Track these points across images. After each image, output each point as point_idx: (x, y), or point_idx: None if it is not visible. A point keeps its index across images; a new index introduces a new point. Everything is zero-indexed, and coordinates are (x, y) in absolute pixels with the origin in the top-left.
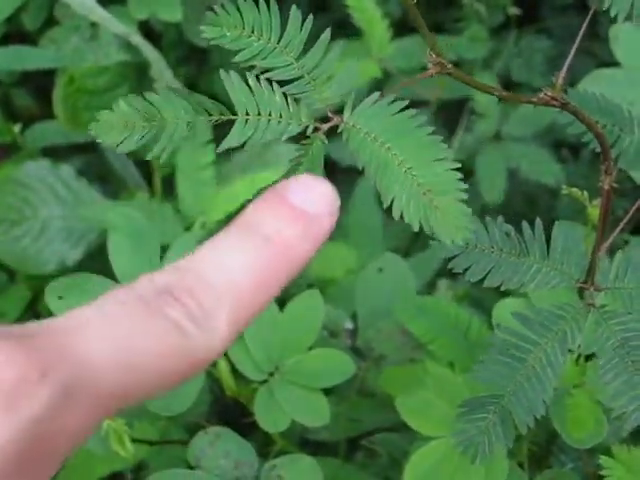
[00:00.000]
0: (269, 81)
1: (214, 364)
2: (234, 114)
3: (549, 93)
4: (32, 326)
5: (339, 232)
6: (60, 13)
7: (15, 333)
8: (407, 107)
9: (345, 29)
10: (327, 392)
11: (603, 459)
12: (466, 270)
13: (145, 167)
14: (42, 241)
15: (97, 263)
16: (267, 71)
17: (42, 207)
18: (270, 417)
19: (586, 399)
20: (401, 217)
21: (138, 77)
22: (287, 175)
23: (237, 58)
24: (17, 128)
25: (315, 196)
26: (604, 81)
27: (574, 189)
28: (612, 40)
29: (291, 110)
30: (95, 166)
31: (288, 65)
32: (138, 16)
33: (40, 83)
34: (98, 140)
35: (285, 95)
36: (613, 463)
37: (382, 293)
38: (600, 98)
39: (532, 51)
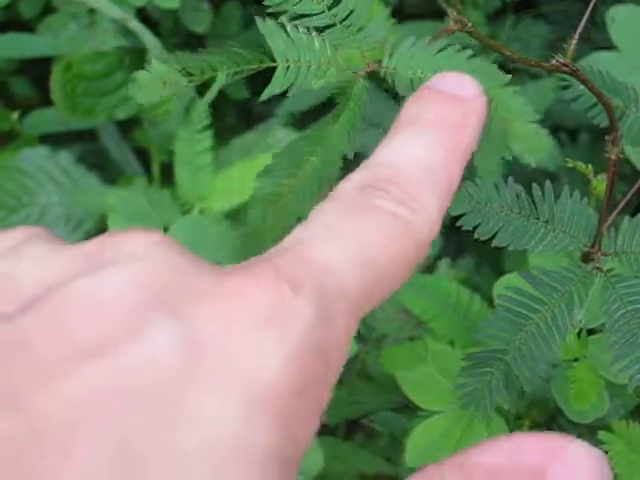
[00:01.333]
0: (306, 28)
1: None
2: (273, 62)
3: (561, 60)
4: (265, 254)
5: None
6: (58, 0)
7: (252, 261)
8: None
9: None
10: None
11: (602, 434)
12: (475, 228)
13: (143, 156)
14: None
15: None
16: (299, 17)
17: (40, 194)
18: None
19: (588, 372)
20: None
21: (136, 62)
22: (331, 119)
23: (267, 1)
24: (15, 116)
25: (463, 81)
26: (601, 64)
27: (579, 162)
28: (609, 23)
29: (330, 55)
30: (93, 154)
31: (321, 12)
32: (136, 3)
33: (38, 72)
34: (139, 101)
35: (324, 41)
36: (612, 438)
37: None
38: (605, 74)
39: (529, 36)
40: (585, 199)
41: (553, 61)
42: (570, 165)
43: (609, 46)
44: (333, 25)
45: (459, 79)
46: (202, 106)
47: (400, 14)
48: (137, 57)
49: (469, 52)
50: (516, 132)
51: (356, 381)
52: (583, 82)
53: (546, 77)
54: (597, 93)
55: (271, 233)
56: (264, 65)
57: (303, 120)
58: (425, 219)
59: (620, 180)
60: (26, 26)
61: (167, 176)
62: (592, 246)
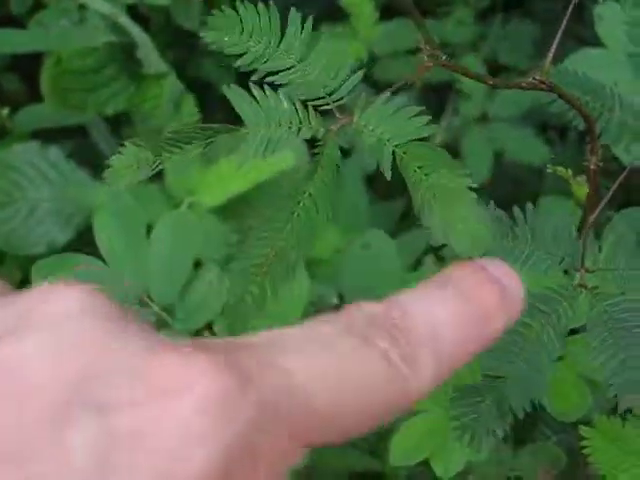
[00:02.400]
0: (273, 87)
1: None
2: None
3: (537, 77)
4: (227, 339)
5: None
6: None
7: (211, 345)
8: (419, 113)
9: (332, 16)
10: None
11: (583, 429)
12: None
13: None
14: (31, 223)
15: (86, 244)
16: (269, 75)
17: (30, 189)
18: None
19: (569, 372)
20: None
21: (125, 58)
22: (308, 177)
23: (238, 62)
24: (5, 112)
25: (510, 273)
26: (588, 61)
27: (559, 167)
28: (596, 20)
29: (300, 115)
30: (83, 151)
31: (291, 67)
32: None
33: (28, 69)
34: (115, 186)
35: (293, 101)
36: (593, 433)
37: (368, 269)
38: (582, 76)
39: (518, 34)
40: (567, 214)
41: (530, 79)
42: (550, 170)
43: (598, 43)
44: (305, 78)
45: (507, 269)
46: (191, 101)
47: (389, 12)
48: (127, 53)
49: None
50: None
51: None
52: (561, 96)
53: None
54: (575, 105)
55: (255, 307)
56: (237, 134)
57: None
58: (416, 377)
59: (608, 177)
60: (16, 22)
61: (156, 173)
62: (576, 263)
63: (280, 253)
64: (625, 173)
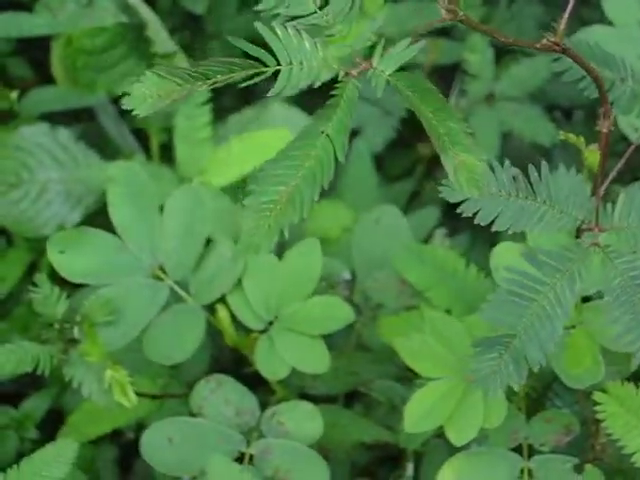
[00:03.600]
0: (297, 30)
1: (214, 314)
2: (266, 65)
3: (551, 39)
4: None
5: (335, 192)
6: None
7: None
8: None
9: None
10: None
11: (597, 394)
12: (475, 214)
13: (142, 137)
14: (40, 204)
15: (96, 225)
16: (292, 19)
17: (40, 170)
18: (270, 365)
19: (583, 338)
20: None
21: (135, 38)
22: (324, 119)
23: (261, 6)
24: (14, 94)
25: None
26: (595, 38)
27: (571, 134)
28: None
29: (321, 56)
30: (92, 135)
31: (312, 13)
32: None
33: (35, 54)
34: (135, 112)
35: (315, 42)
36: (607, 398)
37: (379, 243)
38: (595, 46)
39: (524, 17)
40: (580, 175)
41: (544, 40)
42: (562, 138)
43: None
44: (325, 24)
45: None
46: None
47: None
48: (136, 33)
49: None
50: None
51: (354, 352)
52: (574, 59)
53: (540, 55)
54: (587, 68)
55: (266, 240)
56: (257, 70)
57: (301, 98)
58: None
59: (616, 157)
60: (24, 6)
61: (165, 157)
62: (589, 222)
63: (294, 191)
64: (632, 148)
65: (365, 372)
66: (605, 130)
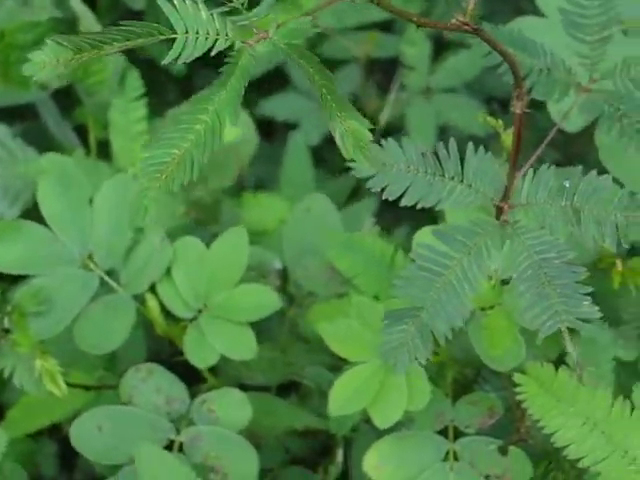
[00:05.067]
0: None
1: (144, 303)
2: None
3: (460, 18)
4: None
5: (273, 185)
6: None
7: None
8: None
9: None
10: (261, 338)
11: (516, 376)
12: (383, 190)
13: (83, 132)
14: None
15: (34, 221)
16: None
17: None
18: (199, 353)
19: (502, 319)
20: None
21: (68, 32)
22: (218, 86)
23: None
24: None
25: None
26: (526, 29)
27: (489, 117)
28: None
29: (217, 26)
30: (33, 132)
31: None
32: None
33: None
34: (36, 78)
35: (212, 13)
36: (526, 380)
37: (309, 232)
38: (514, 32)
39: (463, 9)
40: (489, 154)
41: (453, 20)
42: (481, 121)
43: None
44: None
45: None
46: (135, 75)
47: None
48: (70, 27)
49: None
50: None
51: (289, 342)
52: (486, 41)
53: (477, 46)
54: (500, 51)
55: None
56: (154, 38)
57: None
58: None
59: (551, 147)
60: None
61: (105, 153)
62: (501, 200)
63: (185, 153)
64: (555, 128)
65: (301, 361)
66: (518, 111)
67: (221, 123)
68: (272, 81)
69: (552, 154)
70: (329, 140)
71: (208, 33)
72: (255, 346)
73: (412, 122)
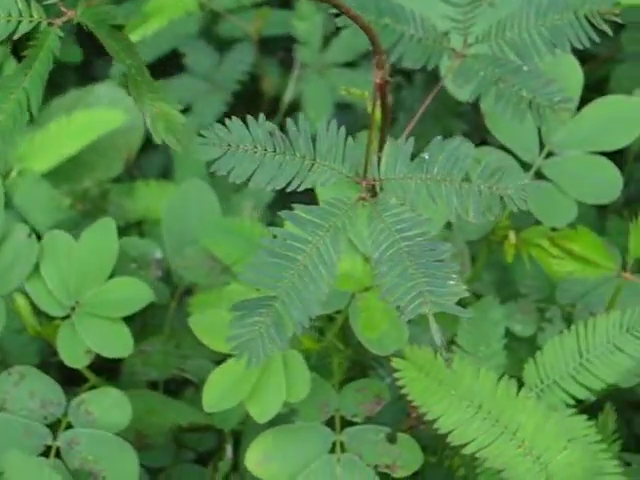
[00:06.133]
0: None
1: (14, 303)
2: None
3: None
4: None
5: (164, 171)
6: None
7: None
8: None
9: None
10: (153, 331)
11: (394, 360)
12: (230, 172)
13: None
14: None
15: None
16: None
17: None
18: (72, 352)
19: (377, 300)
20: None
21: None
22: (24, 68)
23: None
24: None
25: None
26: None
27: (352, 88)
28: None
29: (20, 7)
30: None
31: None
32: None
33: None
34: None
35: None
36: (405, 364)
37: (188, 219)
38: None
39: None
40: (343, 129)
41: None
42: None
43: None
44: None
45: None
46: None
47: None
48: None
49: None
50: None
51: (182, 334)
52: (336, 6)
53: None
54: (353, 17)
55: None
56: None
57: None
58: None
59: (459, 118)
60: None
61: None
62: (360, 176)
63: None
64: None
65: (195, 355)
66: (379, 81)
67: (26, 105)
68: (167, 66)
69: (460, 125)
70: (221, 120)
71: (10, 15)
72: (131, 343)
73: (308, 99)
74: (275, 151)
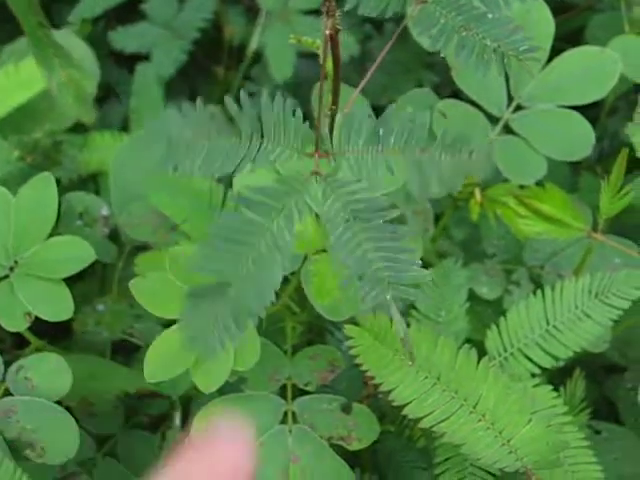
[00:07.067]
0: None
1: None
2: None
3: None
4: None
5: (121, 120)
6: None
7: None
8: None
9: None
10: (100, 292)
11: (348, 327)
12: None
13: None
14: None
15: None
16: None
17: None
18: (11, 315)
19: (330, 266)
20: None
21: None
22: None
23: None
24: None
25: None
26: None
27: (304, 37)
28: None
29: None
30: None
31: None
32: None
33: None
34: None
35: None
36: (359, 332)
37: (136, 173)
38: None
39: None
40: (290, 100)
41: None
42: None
43: None
44: None
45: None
46: None
47: None
48: None
49: None
50: None
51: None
52: None
53: None
54: None
55: None
56: None
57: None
58: None
59: (430, 70)
60: None
61: None
62: (308, 150)
63: None
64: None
65: (147, 315)
66: (329, 32)
67: None
68: (124, 12)
69: (431, 77)
70: (183, 73)
71: None
72: (72, 305)
73: (271, 48)
74: (218, 135)
